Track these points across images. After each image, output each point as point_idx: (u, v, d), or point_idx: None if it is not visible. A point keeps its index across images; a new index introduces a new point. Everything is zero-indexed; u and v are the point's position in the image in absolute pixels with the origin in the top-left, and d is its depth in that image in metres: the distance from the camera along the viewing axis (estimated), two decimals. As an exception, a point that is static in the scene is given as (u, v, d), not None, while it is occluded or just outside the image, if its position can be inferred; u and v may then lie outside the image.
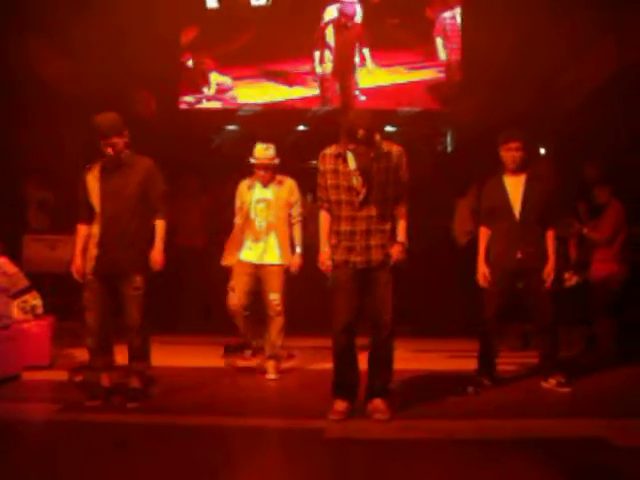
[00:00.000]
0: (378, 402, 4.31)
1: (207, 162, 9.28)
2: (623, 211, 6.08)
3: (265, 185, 5.62)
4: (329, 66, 11.11)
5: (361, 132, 4.11)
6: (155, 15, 9.27)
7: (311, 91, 11.12)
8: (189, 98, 11.00)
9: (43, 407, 4.63)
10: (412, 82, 11.12)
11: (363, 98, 11.11)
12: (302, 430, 4.15)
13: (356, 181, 4.27)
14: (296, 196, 5.65)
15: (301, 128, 11.07)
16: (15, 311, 5.73)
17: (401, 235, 4.38)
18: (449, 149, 11.54)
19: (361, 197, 4.27)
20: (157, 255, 4.75)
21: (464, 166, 8.63)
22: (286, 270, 5.53)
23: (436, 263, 7.97)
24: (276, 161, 5.61)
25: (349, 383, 4.39)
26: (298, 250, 5.59)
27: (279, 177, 5.67)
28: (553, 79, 9.41)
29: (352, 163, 4.29)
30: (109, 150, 4.62)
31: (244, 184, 5.70)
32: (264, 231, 5.57)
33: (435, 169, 9.31)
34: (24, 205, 8.23)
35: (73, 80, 9.10)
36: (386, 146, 4.34)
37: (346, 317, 4.29)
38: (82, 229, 4.76)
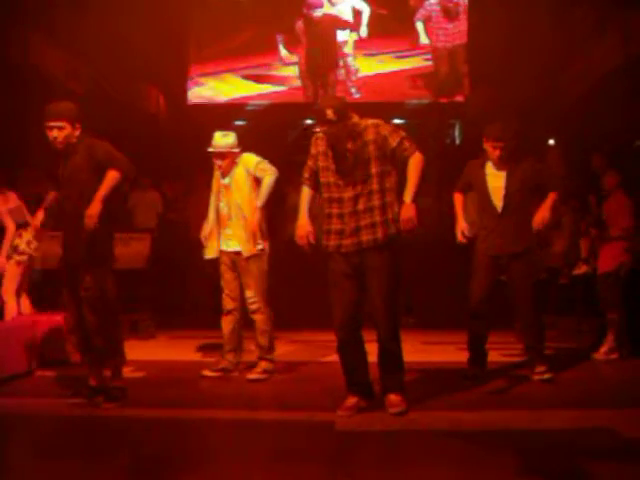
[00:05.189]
0: (391, 396, 4.28)
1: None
2: (630, 199, 6.06)
3: (224, 176, 5.30)
4: (302, 62, 11.19)
5: (329, 112, 4.12)
6: (161, 10, 9.29)
7: (278, 87, 11.29)
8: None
9: (56, 402, 4.65)
10: (403, 71, 11.15)
11: (357, 95, 11.16)
12: (313, 423, 4.17)
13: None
14: (254, 162, 5.25)
15: (308, 122, 11.10)
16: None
17: (407, 194, 4.20)
18: (457, 141, 11.53)
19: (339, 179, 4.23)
20: (92, 207, 4.26)
21: (473, 158, 8.61)
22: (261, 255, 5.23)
23: (444, 255, 7.96)
24: (236, 150, 5.27)
25: (357, 379, 4.34)
26: (258, 204, 5.21)
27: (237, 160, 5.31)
28: (560, 69, 9.37)
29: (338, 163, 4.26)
30: (53, 133, 4.39)
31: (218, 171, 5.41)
32: (227, 216, 5.27)
33: (443, 161, 9.30)
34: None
35: (78, 77, 9.13)
36: (363, 122, 4.29)
37: (343, 312, 4.23)
38: None
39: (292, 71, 11.47)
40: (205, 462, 3.53)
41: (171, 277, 8.38)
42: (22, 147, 7.70)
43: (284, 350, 6.19)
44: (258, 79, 11.46)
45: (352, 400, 4.31)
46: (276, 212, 8.74)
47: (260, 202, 5.25)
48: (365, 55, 11.37)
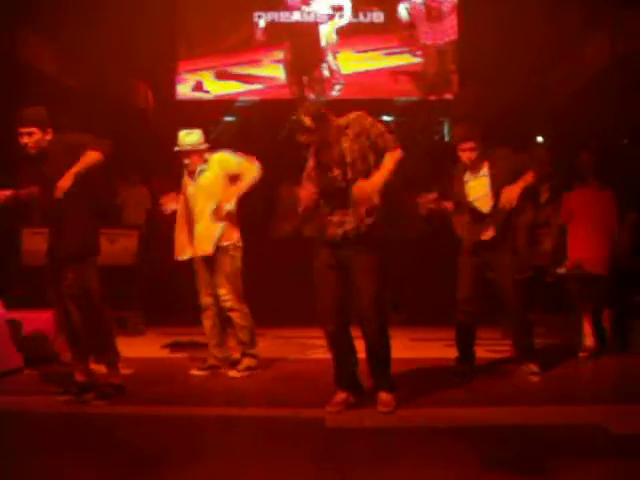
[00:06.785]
0: (382, 394, 4.28)
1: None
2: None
3: (192, 175, 5.23)
4: (288, 58, 11.21)
5: (307, 120, 4.07)
6: (150, 5, 9.26)
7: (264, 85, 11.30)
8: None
9: (44, 400, 4.63)
10: (392, 69, 11.17)
11: (336, 93, 11.18)
12: (301, 419, 4.17)
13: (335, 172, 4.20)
14: (235, 163, 5.20)
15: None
16: None
17: (375, 174, 4.09)
18: (446, 138, 11.56)
19: (337, 172, 4.18)
20: (63, 180, 4.23)
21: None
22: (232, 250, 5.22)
23: (432, 252, 8.00)
24: (202, 147, 5.23)
25: (346, 374, 4.35)
26: (227, 205, 5.15)
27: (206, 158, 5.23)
28: (549, 67, 9.41)
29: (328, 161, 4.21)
30: (24, 139, 4.38)
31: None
32: (199, 216, 5.25)
33: (432, 158, 9.32)
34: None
35: (69, 73, 9.08)
36: (344, 120, 4.22)
37: (329, 306, 4.22)
38: None
39: (278, 70, 11.47)
40: (194, 459, 3.53)
41: (159, 274, 8.35)
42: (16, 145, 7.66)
43: (270, 346, 6.20)
44: (244, 78, 11.46)
45: (341, 395, 4.32)
46: (267, 210, 8.75)
47: (230, 204, 5.16)
48: (355, 52, 11.38)
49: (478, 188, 5.05)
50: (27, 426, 4.15)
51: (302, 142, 4.20)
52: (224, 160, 5.25)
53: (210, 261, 5.27)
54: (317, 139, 4.18)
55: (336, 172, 4.20)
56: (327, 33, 11.29)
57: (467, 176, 5.09)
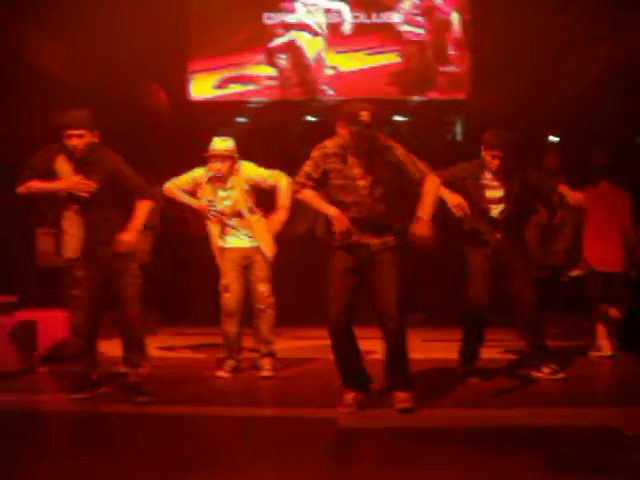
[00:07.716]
0: (398, 393, 4.27)
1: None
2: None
3: (224, 180, 5.22)
4: (285, 58, 11.16)
5: (364, 114, 4.04)
6: (160, 4, 9.27)
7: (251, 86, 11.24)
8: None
9: (57, 398, 4.67)
10: (377, 68, 11.05)
11: (330, 92, 11.12)
12: (316, 420, 4.18)
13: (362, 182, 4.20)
14: (263, 175, 5.26)
15: (309, 119, 11.07)
16: None
17: (422, 210, 4.17)
18: (458, 138, 11.51)
19: (363, 183, 4.18)
20: (126, 235, 4.47)
21: (473, 155, 8.61)
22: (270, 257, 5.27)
23: (446, 252, 7.96)
24: (235, 155, 5.25)
25: (353, 373, 4.34)
26: (285, 204, 5.23)
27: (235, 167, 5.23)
28: (561, 66, 9.36)
29: (356, 168, 4.20)
30: (73, 142, 4.42)
31: (200, 174, 5.34)
32: (240, 215, 5.28)
33: (444, 158, 9.27)
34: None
35: (77, 71, 9.10)
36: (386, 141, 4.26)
37: (339, 307, 4.21)
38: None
39: (265, 70, 11.40)
40: (205, 459, 3.53)
41: (173, 273, 8.37)
42: (20, 142, 7.69)
43: (284, 347, 6.20)
44: (236, 79, 11.40)
45: (350, 395, 4.32)
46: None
47: (287, 202, 5.24)
48: (336, 53, 11.29)
49: (496, 191, 5.07)
50: (39, 425, 4.19)
51: (352, 132, 4.11)
52: (250, 171, 5.29)
53: (253, 259, 5.25)
54: (366, 137, 4.12)
55: (362, 183, 4.20)
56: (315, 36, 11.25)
57: (485, 180, 5.08)
